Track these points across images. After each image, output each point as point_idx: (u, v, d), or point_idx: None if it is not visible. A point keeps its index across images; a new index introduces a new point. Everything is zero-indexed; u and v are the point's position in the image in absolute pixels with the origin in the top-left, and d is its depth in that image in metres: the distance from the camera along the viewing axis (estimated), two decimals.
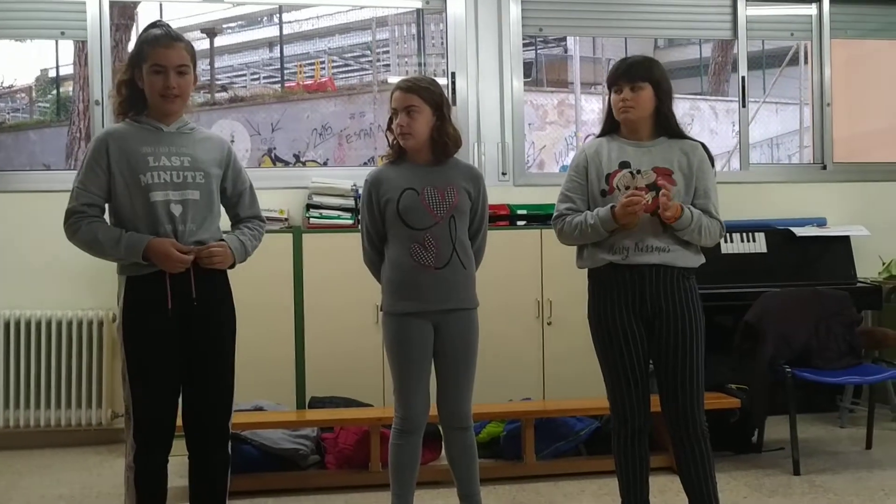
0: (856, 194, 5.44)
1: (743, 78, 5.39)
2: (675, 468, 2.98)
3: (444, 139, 3.02)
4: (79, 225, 2.64)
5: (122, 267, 2.69)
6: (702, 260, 2.95)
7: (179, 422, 2.74)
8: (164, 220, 2.62)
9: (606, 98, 3.04)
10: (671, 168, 2.89)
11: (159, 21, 2.76)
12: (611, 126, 3.01)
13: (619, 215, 2.79)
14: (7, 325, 4.60)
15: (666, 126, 2.96)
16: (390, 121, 3.04)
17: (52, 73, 5.72)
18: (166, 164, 2.64)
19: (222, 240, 2.75)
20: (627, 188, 2.86)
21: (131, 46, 2.82)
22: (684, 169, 2.90)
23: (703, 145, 3.00)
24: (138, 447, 2.65)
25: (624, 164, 2.90)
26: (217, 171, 2.76)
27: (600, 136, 3.05)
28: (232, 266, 2.78)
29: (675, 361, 2.86)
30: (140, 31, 2.75)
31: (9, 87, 5.53)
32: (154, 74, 2.63)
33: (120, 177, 2.63)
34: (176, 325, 2.65)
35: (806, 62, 5.78)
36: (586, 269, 3.00)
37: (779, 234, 5.04)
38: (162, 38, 2.64)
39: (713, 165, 3.00)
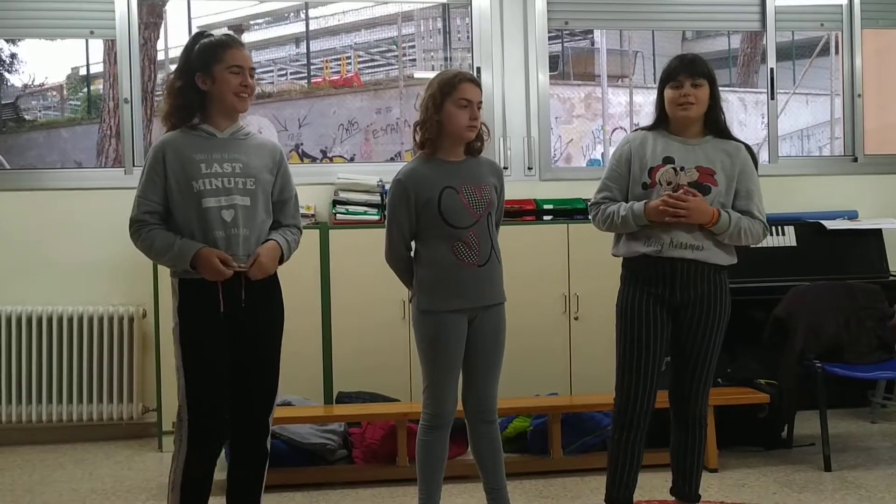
0: (888, 186, 5.36)
1: (772, 70, 5.32)
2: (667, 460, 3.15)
3: (481, 135, 3.03)
4: (140, 233, 2.73)
5: (173, 270, 2.76)
6: (734, 259, 2.99)
7: None
8: (216, 226, 2.68)
9: (657, 95, 3.03)
10: (714, 168, 2.91)
11: (207, 31, 2.82)
12: (659, 121, 3.01)
13: (652, 213, 2.83)
14: (40, 321, 4.67)
15: (715, 125, 2.98)
16: (428, 115, 2.95)
17: (83, 72, 5.77)
18: (218, 171, 2.70)
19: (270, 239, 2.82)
20: (670, 184, 2.89)
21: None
22: (727, 170, 2.93)
23: (748, 146, 3.03)
24: (190, 450, 2.68)
25: (668, 160, 2.92)
26: (268, 177, 2.81)
27: (648, 129, 3.04)
28: (280, 262, 2.86)
29: (694, 348, 2.94)
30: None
31: (40, 86, 5.59)
32: (232, 74, 2.71)
33: (175, 183, 2.70)
34: (227, 326, 2.71)
35: (836, 52, 5.70)
36: (620, 258, 3.04)
37: (809, 228, 4.99)
38: (236, 42, 2.76)
39: (756, 167, 3.03)
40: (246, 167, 2.75)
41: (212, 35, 2.78)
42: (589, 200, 3.18)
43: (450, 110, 2.92)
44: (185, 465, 2.69)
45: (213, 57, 2.71)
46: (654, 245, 2.89)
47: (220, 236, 2.68)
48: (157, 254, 2.73)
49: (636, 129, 3.14)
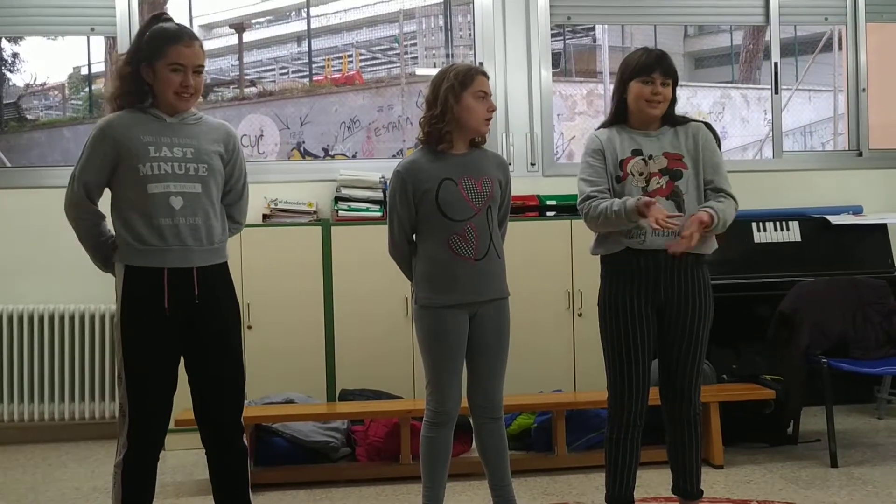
0: (893, 181, 5.35)
1: (776, 64, 5.30)
2: (664, 458, 3.11)
3: None
4: (79, 220, 2.71)
5: (119, 254, 2.63)
6: (715, 246, 2.97)
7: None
8: (161, 213, 2.56)
9: (616, 86, 2.98)
10: (681, 153, 2.92)
11: (165, 14, 2.68)
12: (619, 116, 2.98)
13: (641, 211, 2.79)
14: (42, 319, 4.67)
15: (671, 118, 2.99)
16: (447, 107, 2.91)
17: (85, 71, 5.76)
18: (168, 156, 2.57)
19: None
20: (641, 174, 2.89)
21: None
22: (692, 152, 2.94)
23: (707, 124, 3.05)
24: (130, 446, 2.61)
25: (636, 152, 2.93)
26: (220, 162, 2.68)
27: (606, 126, 3.02)
28: None
29: (681, 344, 2.91)
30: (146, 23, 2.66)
31: (42, 85, 5.58)
32: (172, 73, 2.57)
33: (120, 165, 2.57)
34: (176, 322, 2.59)
35: (840, 48, 5.67)
36: (599, 256, 3.00)
37: (814, 223, 4.97)
38: (182, 36, 2.59)
39: (719, 144, 3.04)
40: (198, 152, 2.61)
41: (170, 20, 2.63)
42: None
43: (469, 102, 2.92)
44: (126, 457, 2.62)
45: (157, 51, 2.56)
46: (637, 236, 2.86)
47: (167, 224, 2.55)
48: (84, 242, 2.73)
49: (597, 129, 3.07)
